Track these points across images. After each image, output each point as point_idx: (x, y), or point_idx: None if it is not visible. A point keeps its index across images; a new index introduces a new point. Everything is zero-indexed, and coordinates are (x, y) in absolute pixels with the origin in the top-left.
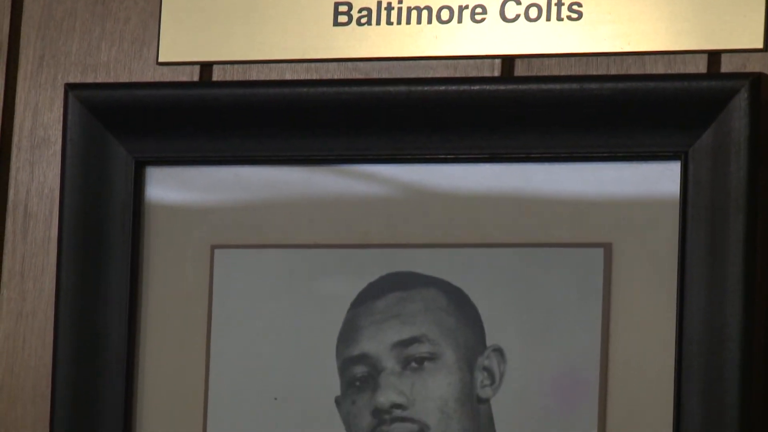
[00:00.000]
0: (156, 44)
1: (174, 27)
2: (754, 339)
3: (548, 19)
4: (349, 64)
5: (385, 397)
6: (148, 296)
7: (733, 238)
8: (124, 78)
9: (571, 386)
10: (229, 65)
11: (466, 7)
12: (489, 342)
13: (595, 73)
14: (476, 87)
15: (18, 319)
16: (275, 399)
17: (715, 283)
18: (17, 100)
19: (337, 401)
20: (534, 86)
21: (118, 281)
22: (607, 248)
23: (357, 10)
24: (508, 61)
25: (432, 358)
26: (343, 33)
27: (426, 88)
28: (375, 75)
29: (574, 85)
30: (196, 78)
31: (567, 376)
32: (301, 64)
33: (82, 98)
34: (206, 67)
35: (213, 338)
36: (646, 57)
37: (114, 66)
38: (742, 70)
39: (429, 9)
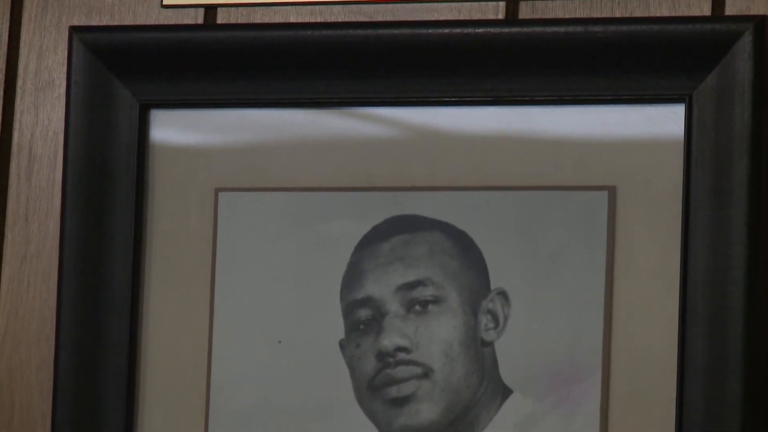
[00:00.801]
0: None
1: None
2: (758, 281)
3: None
4: (354, 6)
5: (389, 340)
6: (152, 239)
7: (737, 181)
8: (128, 21)
9: (574, 330)
10: (233, 8)
11: None
12: (493, 285)
13: (599, 15)
14: (480, 30)
15: (22, 261)
16: (279, 342)
17: (719, 225)
18: (21, 43)
19: (341, 344)
20: (538, 29)
21: (123, 224)
22: (612, 191)
23: None
24: (512, 3)
25: (436, 301)
26: None
27: (430, 31)
28: (379, 18)
29: (578, 28)
30: (200, 21)
31: (571, 319)
32: (305, 7)
33: (86, 41)
34: (210, 9)
35: (217, 281)
36: None
37: (118, 9)
38: (747, 13)
39: None
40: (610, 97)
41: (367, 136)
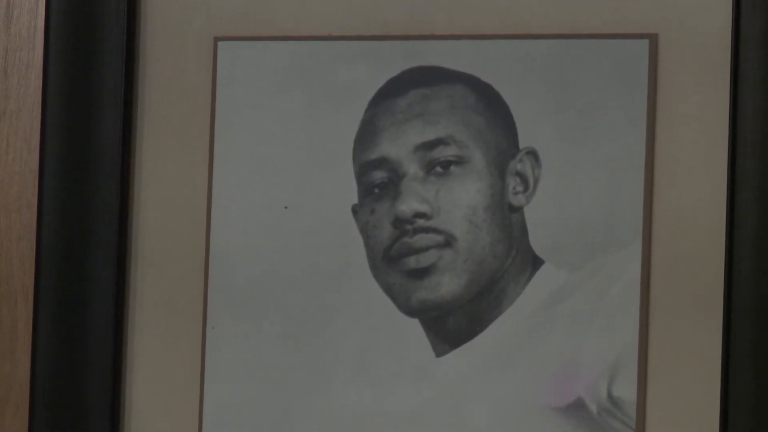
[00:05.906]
0: None
1: None
2: None
3: None
4: None
5: (407, 205)
6: (145, 94)
7: None
8: None
9: (612, 192)
10: None
11: None
12: (522, 144)
13: None
14: None
15: (1, 119)
16: (286, 208)
17: None
18: None
19: (354, 210)
20: None
21: (112, 77)
22: (653, 39)
23: None
24: None
25: (459, 161)
26: None
27: None
28: None
29: None
30: None
31: (608, 181)
32: None
33: None
34: None
35: (217, 140)
36: None
37: None
38: None
39: None
40: None
41: None
